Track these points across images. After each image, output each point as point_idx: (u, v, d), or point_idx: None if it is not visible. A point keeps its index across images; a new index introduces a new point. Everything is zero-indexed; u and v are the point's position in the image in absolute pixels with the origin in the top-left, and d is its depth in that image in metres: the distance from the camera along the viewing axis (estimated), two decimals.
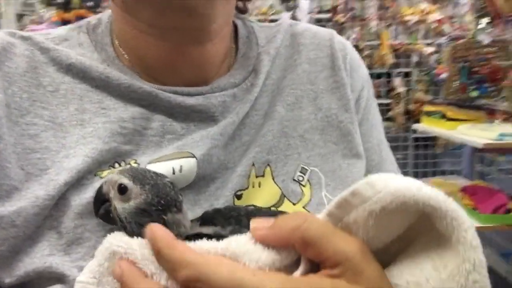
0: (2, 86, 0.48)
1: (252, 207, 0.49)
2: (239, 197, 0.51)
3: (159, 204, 0.38)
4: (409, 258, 0.33)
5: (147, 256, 0.35)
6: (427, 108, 3.02)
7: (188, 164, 0.48)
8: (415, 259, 0.33)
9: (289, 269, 0.33)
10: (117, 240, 0.37)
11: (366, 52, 3.32)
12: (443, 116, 2.69)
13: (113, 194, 0.39)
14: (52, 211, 0.44)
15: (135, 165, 0.47)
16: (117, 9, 0.53)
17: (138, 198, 0.38)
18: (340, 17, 3.40)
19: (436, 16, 3.58)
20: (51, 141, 0.47)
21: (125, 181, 0.38)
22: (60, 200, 0.45)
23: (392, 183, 0.31)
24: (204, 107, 0.52)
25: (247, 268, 0.33)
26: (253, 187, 0.52)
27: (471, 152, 3.24)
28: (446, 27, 3.58)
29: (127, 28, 0.52)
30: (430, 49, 3.53)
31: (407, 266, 0.33)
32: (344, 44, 0.64)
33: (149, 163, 0.48)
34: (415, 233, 0.34)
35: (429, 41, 3.53)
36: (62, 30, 0.57)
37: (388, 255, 0.34)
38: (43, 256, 0.43)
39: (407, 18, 3.53)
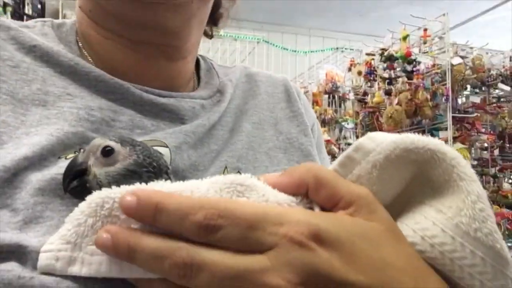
0: None
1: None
2: None
3: (150, 166, 0.35)
4: (409, 212, 0.34)
5: None
6: None
7: (162, 152, 0.45)
8: (415, 211, 0.33)
9: None
10: (103, 191, 0.32)
11: None
12: None
13: (93, 161, 0.35)
14: (5, 189, 0.38)
15: None
16: (83, 15, 0.51)
17: (127, 159, 0.35)
18: None
19: (325, 137, 3.96)
20: (9, 115, 0.42)
21: (112, 143, 0.35)
22: (16, 177, 0.38)
23: (391, 136, 0.33)
24: (175, 108, 0.50)
25: (264, 203, 0.31)
26: None
27: None
28: (334, 148, 3.98)
29: (93, 33, 0.51)
30: None
31: (410, 218, 0.33)
32: (296, 87, 0.68)
33: None
34: (407, 193, 0.35)
35: None
36: (20, 21, 0.54)
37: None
38: None
39: None
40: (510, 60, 3.25)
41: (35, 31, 0.51)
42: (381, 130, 3.21)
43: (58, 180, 0.38)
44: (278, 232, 0.28)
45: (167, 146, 0.46)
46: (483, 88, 3.24)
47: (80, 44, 0.52)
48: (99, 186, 0.34)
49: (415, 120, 2.99)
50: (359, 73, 3.60)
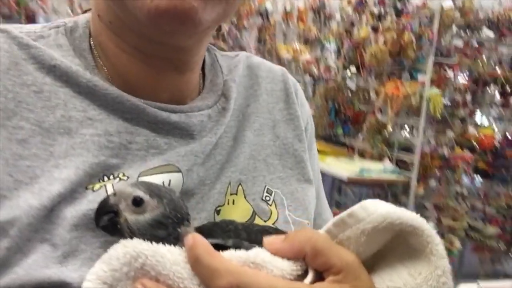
0: None
1: (248, 223, 0.52)
2: (218, 212, 0.53)
3: (175, 217, 0.39)
4: (387, 267, 0.39)
5: (178, 261, 0.36)
6: None
7: (175, 178, 0.50)
8: (392, 268, 0.39)
9: (300, 279, 0.37)
10: (137, 245, 0.36)
11: None
12: None
13: (124, 206, 0.38)
14: (43, 224, 0.42)
15: (124, 178, 0.47)
16: (102, 25, 0.52)
17: (155, 210, 0.38)
18: (222, 44, 3.54)
19: (306, 56, 3.92)
20: (39, 147, 0.45)
21: (141, 193, 0.38)
22: (52, 212, 0.43)
23: (381, 207, 0.37)
24: (186, 125, 0.53)
25: (278, 278, 0.36)
26: (228, 204, 0.54)
27: (331, 183, 3.63)
28: (314, 68, 3.95)
29: (110, 45, 0.52)
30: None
31: (387, 273, 0.39)
32: (293, 81, 0.70)
33: (140, 176, 0.48)
34: (387, 248, 0.40)
35: (298, 77, 3.85)
36: (34, 26, 0.53)
37: (366, 266, 0.39)
38: (39, 268, 0.40)
39: (282, 53, 3.86)
40: (500, 5, 3.23)
41: (50, 41, 0.52)
42: (363, 65, 3.24)
43: (89, 215, 0.43)
44: None
45: (180, 171, 0.50)
46: (467, 31, 3.24)
47: (96, 53, 0.53)
48: (129, 230, 0.38)
49: (397, 59, 3.02)
50: (349, 2, 3.51)
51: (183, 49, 0.52)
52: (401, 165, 3.07)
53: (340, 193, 3.86)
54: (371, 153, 3.29)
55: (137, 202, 0.38)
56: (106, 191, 0.46)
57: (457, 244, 3.21)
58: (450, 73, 3.07)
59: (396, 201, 3.25)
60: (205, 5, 0.45)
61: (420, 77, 2.81)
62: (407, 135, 3.21)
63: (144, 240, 0.37)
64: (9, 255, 0.40)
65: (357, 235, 0.38)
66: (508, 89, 3.56)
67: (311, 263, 0.37)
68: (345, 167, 2.95)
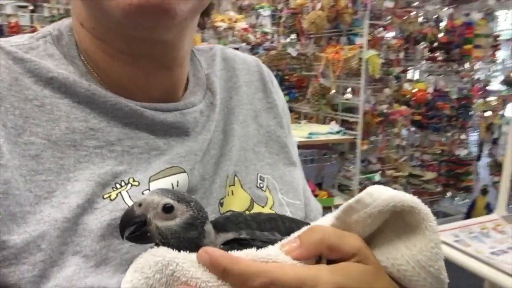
0: None
1: (255, 213, 0.52)
2: (221, 204, 0.56)
3: (202, 217, 0.41)
4: (386, 242, 0.44)
5: (204, 270, 0.37)
6: None
7: (182, 179, 0.52)
8: (390, 243, 0.43)
9: None
10: (166, 254, 0.38)
11: None
12: None
13: (153, 214, 0.40)
14: (72, 237, 0.44)
15: (135, 183, 0.49)
16: (86, 32, 0.52)
17: (185, 214, 0.40)
18: None
19: (242, 24, 3.97)
20: (51, 162, 0.46)
21: (170, 201, 0.40)
22: (77, 225, 0.44)
23: (385, 193, 0.41)
24: (181, 124, 0.55)
25: (302, 266, 0.38)
26: (228, 195, 0.57)
27: None
28: (250, 36, 4.00)
29: (97, 51, 0.52)
30: None
31: (386, 247, 0.43)
32: (267, 70, 0.72)
33: (150, 181, 0.50)
34: (384, 225, 0.44)
35: (236, 45, 3.86)
36: (20, 38, 0.53)
37: (365, 241, 0.43)
38: (79, 279, 0.42)
39: (218, 24, 3.84)
40: None
41: (41, 52, 0.52)
42: (302, 32, 3.32)
43: (113, 225, 0.45)
44: None
45: (184, 171, 0.53)
46: None
47: (84, 59, 0.53)
48: (161, 237, 0.40)
49: (334, 24, 3.12)
50: None
51: (166, 44, 0.52)
52: (346, 125, 3.23)
53: None
54: (317, 117, 3.43)
55: (168, 209, 0.40)
56: (123, 199, 0.48)
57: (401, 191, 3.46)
58: (384, 34, 3.23)
59: (343, 158, 3.45)
60: None
61: (358, 40, 2.94)
62: (349, 96, 3.37)
63: (178, 243, 0.39)
64: (46, 268, 0.42)
65: (364, 219, 0.42)
66: (435, 45, 3.82)
67: (327, 257, 0.40)
68: (294, 133, 3.06)
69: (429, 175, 3.84)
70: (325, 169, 3.73)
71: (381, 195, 0.42)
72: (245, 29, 4.21)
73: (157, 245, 0.40)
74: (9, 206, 0.42)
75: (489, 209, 3.80)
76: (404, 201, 0.42)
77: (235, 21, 4.12)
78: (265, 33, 4.55)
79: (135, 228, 0.40)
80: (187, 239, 0.40)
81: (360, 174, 3.22)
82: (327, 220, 0.44)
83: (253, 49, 4.09)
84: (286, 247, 0.40)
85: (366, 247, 0.42)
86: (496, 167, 3.95)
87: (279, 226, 0.44)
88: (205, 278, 0.37)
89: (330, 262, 0.40)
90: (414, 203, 0.42)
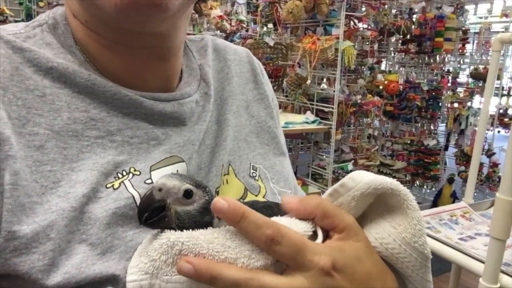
0: None
1: (252, 200, 0.54)
2: (217, 193, 0.57)
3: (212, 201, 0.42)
4: (372, 223, 0.47)
5: (211, 240, 0.39)
6: None
7: (182, 168, 0.53)
8: (376, 223, 0.47)
9: (311, 238, 0.42)
10: (170, 235, 0.39)
11: None
12: None
13: (172, 199, 0.41)
14: (78, 226, 0.44)
15: (136, 173, 0.50)
16: (79, 23, 0.52)
17: (202, 199, 0.42)
18: None
19: (217, 12, 3.95)
20: (55, 152, 0.46)
21: (190, 186, 0.41)
22: (83, 214, 0.45)
23: (366, 177, 0.45)
24: (179, 114, 0.56)
25: (302, 235, 0.41)
26: (223, 184, 0.59)
27: None
28: (226, 23, 4.00)
29: (91, 42, 0.52)
30: None
31: (373, 228, 0.46)
32: (257, 61, 0.73)
33: (151, 170, 0.51)
34: (370, 209, 0.47)
35: (211, 33, 3.86)
36: (16, 27, 0.52)
37: None
38: (88, 266, 0.43)
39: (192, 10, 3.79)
40: None
41: (38, 41, 0.51)
42: (279, 22, 3.33)
43: (117, 213, 0.46)
44: (313, 260, 0.39)
45: (183, 160, 0.54)
46: None
47: (80, 48, 0.53)
48: (179, 221, 0.41)
49: (311, 14, 3.14)
50: None
51: (160, 35, 0.53)
52: (321, 115, 3.28)
53: None
54: (292, 106, 3.46)
55: (188, 194, 0.41)
56: (126, 188, 0.48)
57: None
58: (359, 25, 3.28)
59: (318, 147, 3.51)
60: None
61: (334, 31, 2.97)
62: (324, 86, 3.42)
63: (195, 226, 0.40)
64: (55, 257, 0.43)
65: (348, 201, 0.45)
66: (408, 37, 3.91)
67: (319, 223, 0.43)
68: None
69: (399, 164, 3.95)
70: (299, 158, 3.78)
71: (362, 179, 0.45)
72: (220, 17, 4.18)
73: (163, 231, 0.40)
74: (18, 197, 0.43)
75: (454, 197, 3.97)
76: (383, 183, 0.45)
77: (210, 8, 4.08)
78: (241, 21, 4.53)
79: (152, 213, 0.40)
80: (203, 223, 0.41)
81: (333, 164, 3.28)
82: None
83: (228, 37, 4.07)
84: (288, 198, 0.43)
85: (357, 225, 0.45)
86: (462, 157, 4.11)
87: (275, 213, 0.45)
88: (215, 249, 0.38)
89: (325, 239, 0.43)
90: (394, 185, 0.46)
